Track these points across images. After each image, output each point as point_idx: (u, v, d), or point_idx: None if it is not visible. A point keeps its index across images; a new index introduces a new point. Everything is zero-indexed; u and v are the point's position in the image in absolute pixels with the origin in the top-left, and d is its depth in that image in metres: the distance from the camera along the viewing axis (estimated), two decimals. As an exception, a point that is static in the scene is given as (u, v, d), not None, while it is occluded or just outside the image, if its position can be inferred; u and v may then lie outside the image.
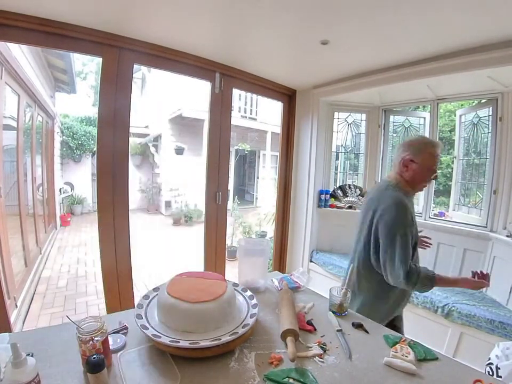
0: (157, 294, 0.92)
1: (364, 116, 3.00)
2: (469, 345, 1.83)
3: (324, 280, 2.71)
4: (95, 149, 3.63)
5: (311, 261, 2.93)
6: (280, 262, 3.21)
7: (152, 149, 8.24)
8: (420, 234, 1.28)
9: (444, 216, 2.59)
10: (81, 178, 7.32)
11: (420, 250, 1.31)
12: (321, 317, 0.99)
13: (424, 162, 1.17)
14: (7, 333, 0.78)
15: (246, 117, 7.64)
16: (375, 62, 2.15)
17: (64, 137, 6.89)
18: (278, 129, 3.13)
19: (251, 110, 7.81)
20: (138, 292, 2.61)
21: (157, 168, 8.49)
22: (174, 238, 5.91)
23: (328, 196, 2.97)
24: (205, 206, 2.46)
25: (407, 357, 0.76)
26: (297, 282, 1.25)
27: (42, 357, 0.70)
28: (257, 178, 9.74)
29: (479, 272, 1.17)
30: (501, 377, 1.20)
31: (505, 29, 1.55)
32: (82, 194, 7.29)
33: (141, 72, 8.77)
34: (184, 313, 0.78)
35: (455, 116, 3.69)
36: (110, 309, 1.98)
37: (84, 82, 10.08)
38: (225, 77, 2.36)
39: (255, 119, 7.87)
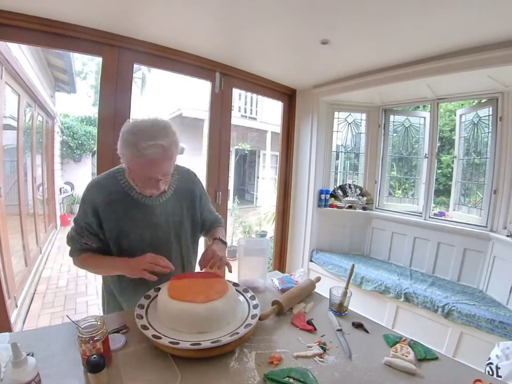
0: (157, 295, 0.92)
1: (364, 116, 2.99)
2: (469, 345, 1.83)
3: (323, 280, 2.70)
4: (95, 148, 3.63)
5: (311, 261, 2.93)
6: (280, 261, 3.21)
7: (152, 149, 8.22)
8: None
9: (444, 216, 2.59)
10: (81, 178, 7.31)
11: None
12: (321, 316, 0.99)
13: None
14: (7, 333, 0.78)
15: (246, 117, 7.62)
16: (375, 62, 2.15)
17: (64, 137, 6.89)
18: (278, 129, 3.13)
19: (251, 110, 7.80)
20: (139, 292, 2.60)
21: (157, 168, 8.47)
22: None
23: (328, 195, 2.97)
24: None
25: (407, 356, 0.76)
26: (297, 282, 1.25)
27: (42, 356, 0.70)
28: (257, 178, 9.73)
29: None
30: (501, 376, 1.20)
31: (505, 29, 1.55)
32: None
33: (141, 72, 8.75)
34: (197, 314, 0.78)
35: (455, 115, 3.69)
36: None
37: (84, 82, 10.08)
38: (225, 77, 2.36)
39: (255, 119, 7.86)
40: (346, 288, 1.04)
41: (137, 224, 0.97)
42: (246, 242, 1.26)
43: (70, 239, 0.99)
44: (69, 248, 1.00)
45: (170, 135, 0.87)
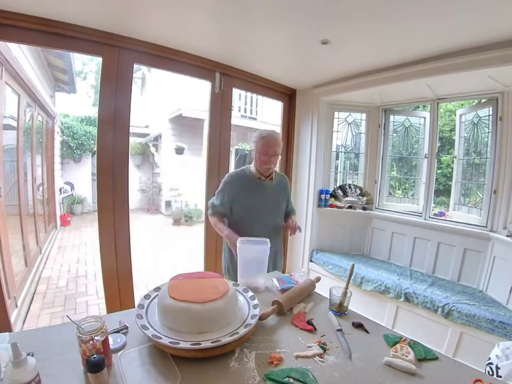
0: (157, 294, 0.92)
1: (364, 116, 2.99)
2: (469, 345, 1.83)
3: (323, 280, 2.70)
4: (95, 148, 3.63)
5: (311, 261, 2.93)
6: (280, 261, 3.20)
7: (152, 149, 8.24)
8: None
9: (444, 216, 2.59)
10: (81, 178, 7.32)
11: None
12: (321, 316, 0.99)
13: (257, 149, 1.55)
14: (7, 333, 0.78)
15: (246, 117, 7.62)
16: (375, 62, 2.15)
17: (64, 137, 6.89)
18: (278, 129, 3.13)
19: (251, 110, 7.79)
20: (138, 292, 2.61)
21: (157, 168, 8.49)
22: (174, 238, 5.91)
23: (328, 195, 2.97)
24: (205, 206, 2.46)
25: (407, 356, 0.76)
26: (297, 282, 1.25)
27: (42, 356, 0.70)
28: (257, 178, 9.71)
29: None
30: (501, 377, 1.20)
31: (505, 29, 1.55)
32: (82, 194, 7.29)
33: (141, 72, 8.76)
34: (197, 314, 0.78)
35: (455, 115, 3.69)
36: (110, 308, 1.99)
37: (84, 82, 10.09)
38: (225, 77, 2.36)
39: (255, 119, 7.86)
40: (346, 288, 1.04)
41: (254, 197, 1.58)
42: (246, 242, 1.26)
43: (211, 205, 1.66)
44: (208, 209, 1.71)
45: (278, 135, 1.61)
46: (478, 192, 2.43)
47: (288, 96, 2.98)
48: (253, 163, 1.62)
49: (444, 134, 6.14)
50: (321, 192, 2.93)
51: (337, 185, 3.12)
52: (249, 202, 1.57)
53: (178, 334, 0.76)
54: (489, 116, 2.24)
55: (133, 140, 7.98)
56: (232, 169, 2.61)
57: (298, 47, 1.96)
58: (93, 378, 0.61)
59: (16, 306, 2.42)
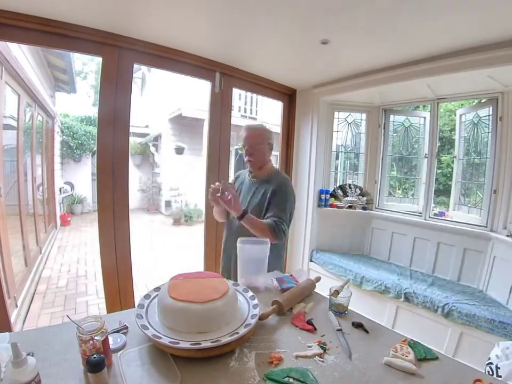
0: (157, 294, 0.92)
1: (364, 116, 3.00)
2: (469, 345, 1.83)
3: (323, 280, 2.70)
4: (95, 148, 3.63)
5: (311, 261, 2.93)
6: (280, 261, 3.20)
7: (152, 149, 8.24)
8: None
9: (444, 215, 2.59)
10: (81, 178, 7.32)
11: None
12: (321, 316, 0.99)
13: None
14: (7, 333, 0.78)
15: (246, 117, 7.63)
16: (375, 62, 2.15)
17: (64, 136, 6.89)
18: (278, 129, 3.13)
19: (251, 110, 7.80)
20: (138, 292, 2.61)
21: (157, 168, 8.49)
22: (174, 238, 5.91)
23: (328, 195, 2.97)
24: (205, 206, 2.46)
25: (407, 356, 0.76)
26: (297, 282, 1.25)
27: (42, 356, 0.70)
28: (257, 178, 9.71)
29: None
30: (500, 376, 1.20)
31: (505, 29, 1.55)
32: (83, 194, 7.29)
33: (141, 72, 8.76)
34: (197, 314, 0.78)
35: (455, 115, 3.69)
36: (110, 308, 1.99)
37: (84, 81, 10.09)
38: (225, 77, 2.36)
39: (255, 119, 7.86)
40: (342, 287, 1.05)
41: (242, 194, 1.52)
42: (246, 242, 1.26)
43: None
44: None
45: (261, 127, 1.51)
46: (478, 192, 2.43)
47: (288, 96, 2.98)
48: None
49: (444, 134, 6.14)
50: (321, 192, 2.93)
51: (337, 185, 3.12)
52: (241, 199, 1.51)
53: (178, 334, 0.76)
54: (489, 115, 2.24)
55: (133, 140, 7.98)
56: (232, 169, 2.61)
57: (298, 47, 1.96)
58: (93, 378, 0.61)
59: (16, 306, 2.42)
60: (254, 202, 1.46)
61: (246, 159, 1.46)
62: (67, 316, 0.78)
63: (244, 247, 1.21)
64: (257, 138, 1.44)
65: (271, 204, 1.41)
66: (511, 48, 1.63)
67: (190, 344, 0.71)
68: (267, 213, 1.41)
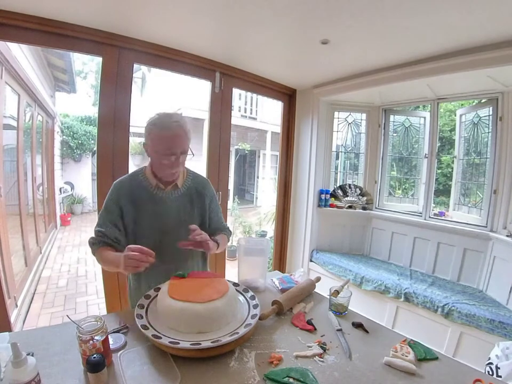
0: (157, 294, 0.92)
1: (364, 116, 2.99)
2: (469, 345, 1.83)
3: (324, 280, 2.70)
4: (95, 148, 3.63)
5: (311, 261, 2.93)
6: (280, 261, 3.21)
7: (152, 149, 8.23)
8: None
9: (444, 215, 2.59)
10: (81, 178, 7.32)
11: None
12: (321, 316, 0.99)
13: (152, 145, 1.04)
14: (7, 333, 0.78)
15: (246, 117, 7.63)
16: (375, 62, 2.15)
17: (64, 136, 6.89)
18: (278, 129, 3.13)
19: (251, 110, 7.80)
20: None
21: (157, 168, 8.47)
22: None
23: (328, 195, 2.97)
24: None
25: (407, 356, 0.76)
26: (297, 282, 1.25)
27: (42, 356, 0.70)
28: (257, 178, 9.74)
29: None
30: (500, 376, 1.20)
31: (505, 29, 1.55)
32: (83, 194, 7.29)
33: (141, 72, 8.75)
34: (197, 314, 0.78)
35: (455, 115, 3.68)
36: (110, 308, 1.98)
37: (84, 81, 10.06)
38: (225, 77, 2.36)
39: (255, 119, 7.86)
40: (342, 287, 1.05)
41: (149, 214, 1.10)
42: (246, 242, 1.26)
43: (94, 234, 1.07)
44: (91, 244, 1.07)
45: (184, 118, 1.08)
46: (478, 192, 2.43)
47: (288, 96, 2.98)
48: (148, 165, 1.14)
49: (444, 134, 6.14)
50: (321, 192, 2.93)
51: (337, 185, 3.12)
52: (144, 223, 1.08)
53: (178, 334, 0.76)
54: (489, 115, 2.24)
55: (133, 140, 7.97)
56: (232, 169, 2.60)
57: (299, 47, 1.96)
58: (93, 378, 0.61)
59: (16, 306, 2.42)
60: (191, 219, 1.15)
61: (172, 169, 1.05)
62: (67, 315, 0.79)
63: (244, 246, 1.21)
64: (187, 140, 1.06)
65: (212, 212, 1.24)
66: (511, 48, 1.63)
67: (190, 344, 0.71)
68: (211, 222, 1.24)
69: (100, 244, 1.03)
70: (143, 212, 1.09)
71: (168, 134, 1.01)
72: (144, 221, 1.09)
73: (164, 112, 1.06)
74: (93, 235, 1.06)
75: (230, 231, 1.33)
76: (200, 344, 0.71)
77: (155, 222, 1.10)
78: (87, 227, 6.03)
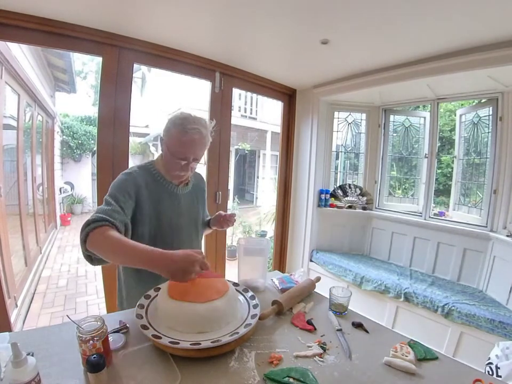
0: (157, 294, 0.92)
1: (364, 116, 3.00)
2: (469, 344, 1.83)
3: (323, 280, 2.70)
4: (95, 148, 3.63)
5: (311, 261, 2.94)
6: (280, 261, 3.21)
7: (152, 149, 8.24)
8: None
9: (444, 215, 2.59)
10: (81, 178, 7.32)
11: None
12: (321, 316, 0.99)
13: (169, 143, 1.01)
14: (7, 332, 0.78)
15: (246, 117, 7.62)
16: (375, 62, 2.15)
17: (64, 136, 6.89)
18: (278, 129, 3.13)
19: (251, 110, 7.79)
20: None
21: (157, 168, 8.47)
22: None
23: (328, 195, 2.97)
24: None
25: (407, 356, 0.76)
26: (297, 282, 1.25)
27: (42, 356, 0.70)
28: (257, 177, 9.74)
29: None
30: (500, 376, 1.20)
31: (505, 29, 1.55)
32: (83, 193, 7.29)
33: (141, 72, 8.75)
34: (197, 314, 0.78)
35: (455, 115, 3.68)
36: (110, 308, 1.98)
37: (84, 81, 10.07)
38: (225, 76, 2.36)
39: (255, 119, 7.85)
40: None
41: (166, 209, 1.06)
42: (246, 242, 1.26)
43: (97, 211, 0.91)
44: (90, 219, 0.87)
45: (208, 129, 1.05)
46: (478, 192, 2.43)
47: (288, 96, 2.98)
48: (158, 158, 1.11)
49: (444, 134, 6.14)
50: (321, 192, 2.93)
51: (337, 185, 3.12)
52: (158, 218, 1.03)
53: (178, 334, 0.76)
54: (489, 115, 2.24)
55: (133, 140, 7.98)
56: (232, 169, 2.60)
57: (298, 47, 1.96)
58: (93, 378, 0.61)
59: (16, 306, 2.42)
60: (197, 215, 1.21)
61: (181, 175, 1.04)
62: (67, 315, 0.78)
63: (244, 246, 1.21)
64: (203, 148, 1.05)
65: (205, 203, 1.31)
66: (511, 48, 1.63)
67: (190, 344, 0.71)
68: (204, 214, 1.29)
69: (103, 221, 0.85)
70: (160, 205, 1.03)
71: (184, 139, 0.97)
72: (163, 216, 1.04)
73: (187, 114, 1.02)
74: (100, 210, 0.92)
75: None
76: (200, 344, 0.71)
77: (171, 217, 1.07)
78: (87, 227, 6.03)
